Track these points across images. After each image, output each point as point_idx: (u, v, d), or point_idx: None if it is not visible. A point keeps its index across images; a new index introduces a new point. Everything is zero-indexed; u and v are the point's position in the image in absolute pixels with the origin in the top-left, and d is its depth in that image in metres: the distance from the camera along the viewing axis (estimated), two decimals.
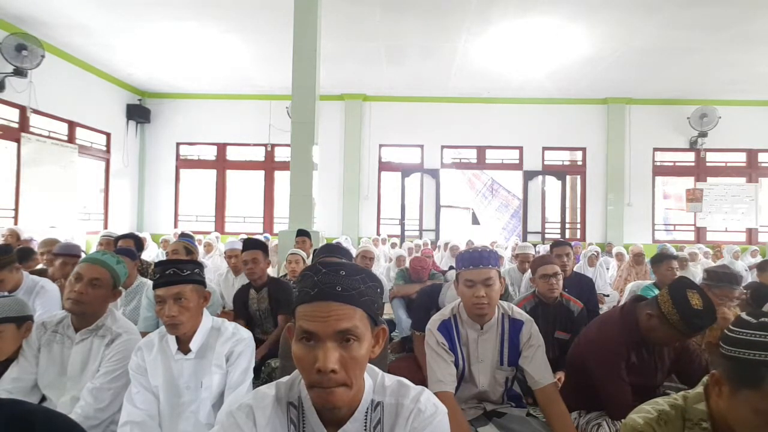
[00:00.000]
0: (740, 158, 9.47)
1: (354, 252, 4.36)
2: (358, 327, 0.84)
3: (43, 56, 6.29)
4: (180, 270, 1.60)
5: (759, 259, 7.29)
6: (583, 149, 9.54)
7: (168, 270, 1.59)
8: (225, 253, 3.81)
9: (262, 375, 2.61)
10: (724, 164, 9.49)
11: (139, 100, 9.40)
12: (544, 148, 9.51)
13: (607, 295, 5.02)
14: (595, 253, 5.56)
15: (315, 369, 0.81)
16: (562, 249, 3.44)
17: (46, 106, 6.96)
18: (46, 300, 2.61)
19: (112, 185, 8.79)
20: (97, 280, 1.74)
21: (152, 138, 9.65)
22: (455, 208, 11.37)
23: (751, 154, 9.39)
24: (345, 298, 0.84)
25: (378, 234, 9.32)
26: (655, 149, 9.41)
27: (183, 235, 5.68)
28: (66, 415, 0.59)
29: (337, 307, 0.83)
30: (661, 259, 3.20)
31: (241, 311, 3.04)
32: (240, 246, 3.63)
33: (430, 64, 7.64)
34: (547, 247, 6.93)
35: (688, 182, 9.44)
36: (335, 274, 0.86)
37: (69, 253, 3.13)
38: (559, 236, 9.10)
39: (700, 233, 9.44)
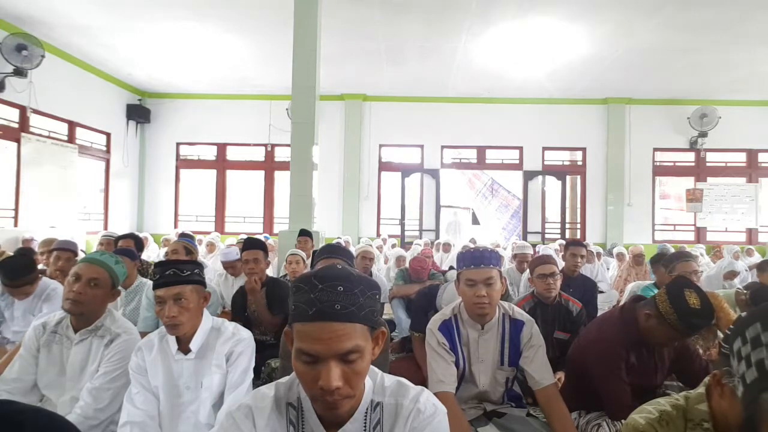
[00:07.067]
0: (740, 158, 9.47)
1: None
2: (360, 344, 0.83)
3: (43, 56, 6.28)
4: (180, 270, 1.60)
5: (756, 258, 7.29)
6: (583, 149, 9.53)
7: (168, 270, 1.59)
8: (222, 264, 3.81)
9: (262, 375, 2.61)
10: (724, 164, 9.48)
11: (139, 100, 9.40)
12: (544, 148, 9.50)
13: (602, 292, 4.96)
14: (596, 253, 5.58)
15: (318, 386, 0.80)
16: (578, 249, 3.41)
17: (46, 106, 6.95)
18: (54, 303, 2.61)
19: (112, 185, 8.79)
20: (96, 280, 1.73)
21: (152, 138, 9.64)
22: (455, 208, 11.36)
23: (751, 154, 9.38)
24: (345, 317, 0.81)
25: (378, 234, 9.32)
26: (655, 149, 9.40)
27: (183, 235, 5.68)
28: (58, 414, 0.58)
29: (337, 327, 0.81)
30: (673, 259, 2.85)
31: (238, 314, 3.01)
32: (235, 256, 3.64)
33: (430, 64, 7.63)
34: (547, 247, 6.95)
35: (688, 182, 9.44)
36: (333, 291, 0.82)
37: (63, 248, 3.13)
38: (559, 236, 9.08)
39: (700, 233, 9.44)
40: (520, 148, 9.53)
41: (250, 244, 3.04)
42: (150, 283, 2.90)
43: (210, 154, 9.85)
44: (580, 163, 9.65)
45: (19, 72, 6.17)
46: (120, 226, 8.37)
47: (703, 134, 8.93)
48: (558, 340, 2.54)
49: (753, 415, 0.69)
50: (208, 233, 7.90)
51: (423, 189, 9.58)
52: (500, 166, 9.92)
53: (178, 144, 9.73)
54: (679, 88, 8.52)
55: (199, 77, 8.59)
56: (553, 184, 9.54)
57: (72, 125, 7.74)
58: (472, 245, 6.50)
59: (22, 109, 6.65)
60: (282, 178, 9.58)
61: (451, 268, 3.88)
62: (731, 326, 1.00)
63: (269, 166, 9.72)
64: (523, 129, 9.40)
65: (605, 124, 9.33)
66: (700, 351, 2.27)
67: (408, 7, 5.72)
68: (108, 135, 8.70)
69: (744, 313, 0.97)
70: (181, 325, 1.57)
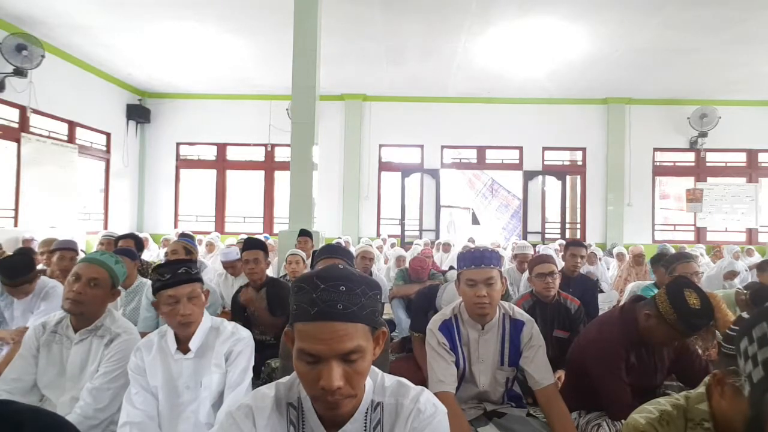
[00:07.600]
0: (740, 158, 9.47)
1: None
2: (362, 345, 0.83)
3: (43, 56, 6.28)
4: (190, 269, 1.63)
5: (756, 258, 7.29)
6: (583, 149, 9.53)
7: (180, 269, 1.61)
8: (222, 264, 3.82)
9: (262, 375, 2.61)
10: (724, 164, 9.48)
11: (139, 100, 9.39)
12: (544, 148, 9.50)
13: (602, 291, 4.96)
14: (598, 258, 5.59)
15: (319, 386, 0.80)
16: (578, 249, 3.42)
17: (46, 106, 6.95)
18: (52, 301, 2.62)
19: (112, 185, 8.79)
20: (96, 279, 1.74)
21: (152, 138, 9.64)
22: (455, 208, 11.36)
23: (751, 154, 9.38)
24: (347, 317, 0.81)
25: (378, 234, 9.32)
26: (655, 149, 9.40)
27: (183, 236, 5.67)
28: (57, 414, 0.59)
29: (339, 327, 0.81)
30: (673, 260, 2.82)
31: (238, 313, 3.01)
32: (235, 256, 3.64)
33: (430, 64, 7.63)
34: (547, 247, 6.95)
35: (688, 182, 9.44)
36: (335, 291, 0.82)
37: (66, 247, 3.14)
38: (559, 236, 9.09)
39: (700, 233, 9.44)
40: (520, 148, 9.53)
41: (250, 244, 3.04)
42: (150, 283, 2.90)
43: (210, 154, 9.85)
44: (580, 163, 9.65)
45: (19, 72, 6.17)
46: (120, 226, 8.37)
47: (703, 134, 8.93)
48: (557, 339, 2.54)
49: (759, 414, 0.69)
50: (208, 233, 7.90)
51: (423, 189, 9.58)
52: (500, 166, 9.93)
53: (178, 144, 9.73)
54: (679, 88, 8.52)
55: (199, 77, 8.59)
56: (553, 184, 9.54)
57: (72, 125, 7.74)
58: (471, 245, 6.50)
59: (22, 109, 6.65)
60: (282, 178, 9.58)
61: (451, 268, 3.88)
62: (731, 326, 1.01)
63: (269, 166, 9.72)
64: (523, 129, 9.40)
65: (605, 124, 9.33)
66: (699, 351, 2.27)
67: (408, 7, 5.72)
68: (108, 135, 8.69)
69: (745, 313, 0.98)
70: (194, 323, 1.59)
